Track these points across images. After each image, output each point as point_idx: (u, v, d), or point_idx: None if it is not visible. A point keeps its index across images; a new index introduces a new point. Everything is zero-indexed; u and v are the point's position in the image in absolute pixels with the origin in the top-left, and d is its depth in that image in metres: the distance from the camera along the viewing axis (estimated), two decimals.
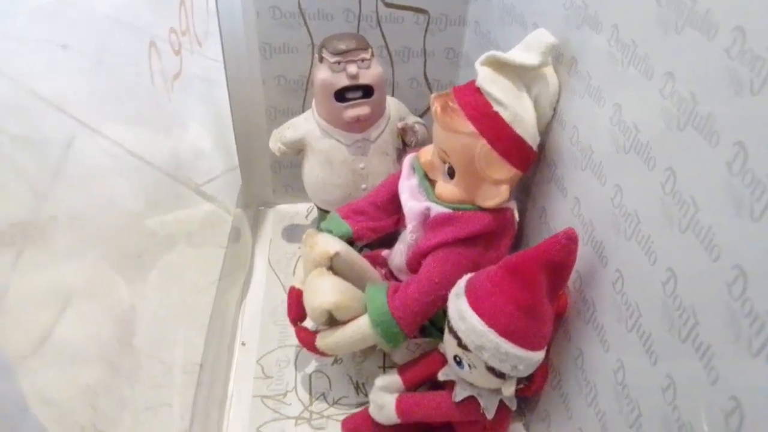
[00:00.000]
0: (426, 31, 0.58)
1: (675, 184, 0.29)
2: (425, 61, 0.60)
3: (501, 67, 0.41)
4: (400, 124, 0.56)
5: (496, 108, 0.40)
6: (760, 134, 0.23)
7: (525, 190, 0.49)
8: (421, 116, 0.62)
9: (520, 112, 0.40)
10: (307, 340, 0.46)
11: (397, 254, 0.50)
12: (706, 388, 0.25)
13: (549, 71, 0.42)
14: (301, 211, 0.70)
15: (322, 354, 0.46)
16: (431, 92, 0.63)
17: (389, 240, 0.53)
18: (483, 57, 0.41)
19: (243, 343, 0.54)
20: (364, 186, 0.56)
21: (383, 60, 0.59)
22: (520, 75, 0.41)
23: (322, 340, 0.45)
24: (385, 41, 0.58)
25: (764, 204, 0.22)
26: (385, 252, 0.54)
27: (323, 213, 0.61)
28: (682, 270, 0.28)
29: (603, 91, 0.36)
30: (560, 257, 0.36)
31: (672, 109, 0.29)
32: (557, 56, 0.42)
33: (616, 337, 0.34)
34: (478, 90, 0.41)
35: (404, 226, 0.49)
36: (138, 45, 0.46)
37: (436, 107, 0.42)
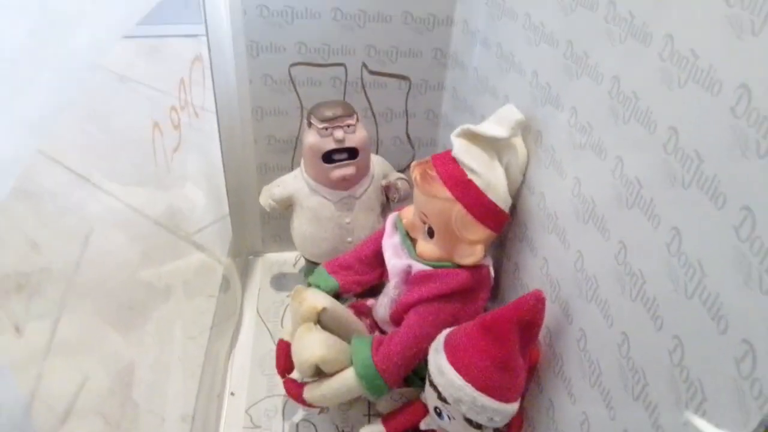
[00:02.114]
0: (408, 95, 0.62)
1: (626, 256, 0.32)
2: (407, 122, 0.65)
3: (474, 138, 0.45)
4: (383, 182, 0.60)
5: (470, 176, 0.44)
6: (694, 223, 0.27)
7: (500, 246, 0.52)
8: (403, 171, 0.66)
9: (492, 180, 0.44)
10: (295, 392, 0.48)
11: (381, 307, 0.53)
12: None
13: (518, 141, 0.46)
14: (288, 259, 0.73)
15: (310, 405, 0.48)
16: (413, 149, 0.67)
17: (374, 290, 0.56)
18: (458, 130, 0.45)
19: (232, 393, 0.56)
20: (350, 239, 0.60)
21: (368, 120, 0.63)
22: (492, 145, 0.45)
23: (310, 393, 0.47)
24: (370, 104, 0.62)
25: (696, 284, 0.26)
26: (370, 301, 0.57)
27: (310, 263, 0.64)
28: (633, 334, 0.31)
29: (564, 165, 0.40)
30: (530, 316, 0.39)
31: (621, 189, 0.33)
32: (526, 127, 0.46)
33: (581, 391, 0.37)
34: (454, 159, 0.44)
35: (388, 279, 0.52)
36: (137, 101, 0.49)
37: (416, 175, 0.46)
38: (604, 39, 0.35)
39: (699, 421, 0.24)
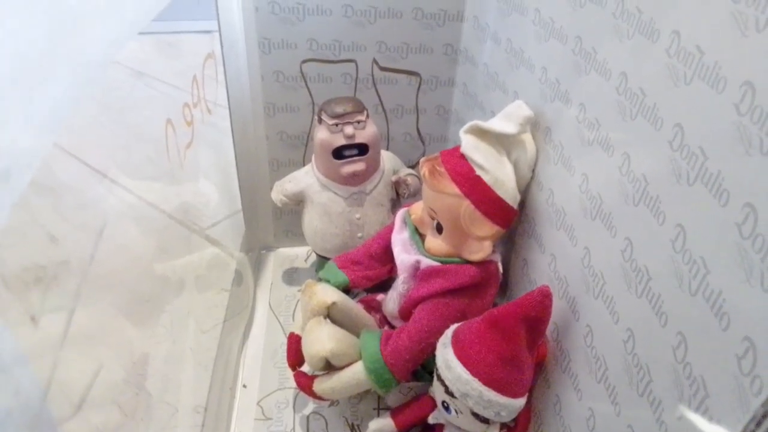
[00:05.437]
0: (418, 91, 0.63)
1: (632, 252, 0.32)
2: (418, 118, 0.65)
3: (483, 134, 0.45)
4: (393, 178, 0.61)
5: (478, 172, 0.44)
6: (698, 220, 0.27)
7: (509, 242, 0.52)
8: (413, 167, 0.66)
9: (500, 176, 0.44)
10: (305, 384, 0.49)
11: (390, 301, 0.53)
12: None
13: (527, 137, 0.46)
14: (300, 254, 0.74)
15: (319, 398, 0.49)
16: (424, 145, 0.67)
17: (384, 285, 0.56)
18: (467, 126, 0.45)
19: (244, 386, 0.57)
20: (360, 235, 0.60)
21: (379, 116, 0.64)
22: (500, 141, 0.45)
23: (319, 385, 0.48)
24: (381, 100, 0.63)
25: (699, 280, 0.26)
26: (380, 296, 0.57)
27: (321, 258, 0.65)
28: (638, 331, 0.31)
29: (573, 161, 0.40)
30: (536, 312, 0.39)
31: (628, 186, 0.33)
32: (535, 124, 0.46)
33: (588, 387, 0.37)
34: (462, 155, 0.45)
35: (397, 274, 0.52)
36: (153, 97, 0.50)
37: (425, 171, 0.46)
38: (612, 35, 0.35)
39: (693, 416, 0.24)
